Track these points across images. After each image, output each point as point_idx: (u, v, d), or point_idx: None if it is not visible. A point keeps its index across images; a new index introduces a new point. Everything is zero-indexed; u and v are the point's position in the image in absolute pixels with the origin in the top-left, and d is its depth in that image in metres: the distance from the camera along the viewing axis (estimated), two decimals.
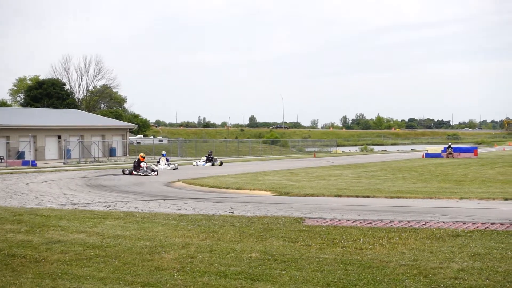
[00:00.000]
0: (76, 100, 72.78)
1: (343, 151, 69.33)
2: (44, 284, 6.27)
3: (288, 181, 20.46)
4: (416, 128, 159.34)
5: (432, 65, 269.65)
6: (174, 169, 29.76)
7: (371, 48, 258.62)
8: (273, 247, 7.86)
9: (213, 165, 33.99)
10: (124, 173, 26.11)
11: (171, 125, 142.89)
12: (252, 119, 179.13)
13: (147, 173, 25.74)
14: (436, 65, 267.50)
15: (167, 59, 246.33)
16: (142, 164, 26.13)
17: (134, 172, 25.95)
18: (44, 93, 64.87)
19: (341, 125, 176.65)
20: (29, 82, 77.07)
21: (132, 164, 27.46)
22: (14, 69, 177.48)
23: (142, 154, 27.20)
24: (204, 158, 35.46)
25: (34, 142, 42.93)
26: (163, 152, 33.01)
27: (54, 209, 12.58)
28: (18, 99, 78.19)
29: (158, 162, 30.62)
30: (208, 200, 14.99)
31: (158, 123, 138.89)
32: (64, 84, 70.77)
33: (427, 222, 9.67)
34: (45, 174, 26.63)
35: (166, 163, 30.34)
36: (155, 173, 25.95)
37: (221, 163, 34.85)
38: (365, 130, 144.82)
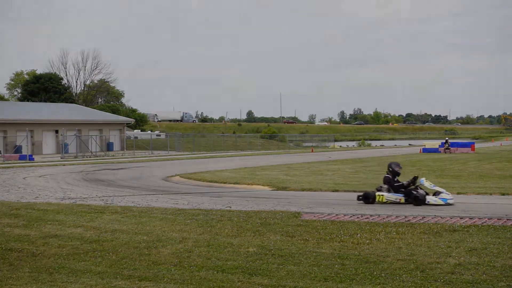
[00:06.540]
0: (74, 94, 72.61)
1: (340, 146, 69.29)
2: (41, 278, 6.27)
3: (285, 176, 20.45)
4: (413, 123, 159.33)
5: (429, 60, 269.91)
6: None
7: (369, 42, 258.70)
8: (270, 241, 7.87)
9: None
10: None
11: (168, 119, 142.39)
12: (249, 114, 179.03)
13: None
14: (433, 60, 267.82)
15: (164, 54, 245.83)
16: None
17: None
18: (42, 87, 64.70)
19: (338, 120, 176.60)
20: (26, 76, 76.82)
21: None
22: (11, 63, 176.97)
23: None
24: None
25: (32, 137, 42.83)
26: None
27: (51, 203, 12.56)
28: (15, 93, 78.03)
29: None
30: (205, 194, 14.98)
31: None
32: (62, 79, 70.62)
33: (424, 217, 9.68)
34: (43, 169, 26.58)
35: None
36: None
37: None
38: (363, 125, 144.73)
